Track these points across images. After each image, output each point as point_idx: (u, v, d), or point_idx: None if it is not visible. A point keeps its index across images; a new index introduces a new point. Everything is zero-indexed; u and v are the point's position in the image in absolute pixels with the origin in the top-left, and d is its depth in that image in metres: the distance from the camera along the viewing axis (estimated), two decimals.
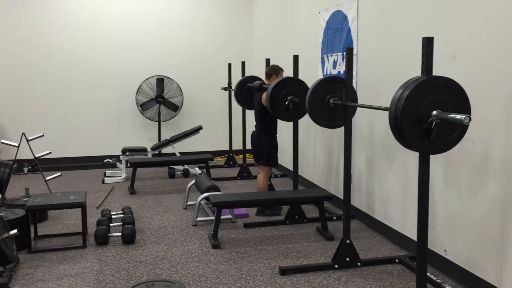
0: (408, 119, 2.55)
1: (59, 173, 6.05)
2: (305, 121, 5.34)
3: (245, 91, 6.08)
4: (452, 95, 2.58)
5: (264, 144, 5.12)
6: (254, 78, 6.11)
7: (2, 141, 5.94)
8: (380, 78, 4.36)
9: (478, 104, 3.00)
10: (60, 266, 3.77)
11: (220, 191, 4.90)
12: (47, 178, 5.80)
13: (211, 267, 3.71)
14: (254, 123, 5.29)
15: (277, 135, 5.24)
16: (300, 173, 5.37)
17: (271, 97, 4.64)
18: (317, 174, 5.96)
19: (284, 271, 3.56)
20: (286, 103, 4.59)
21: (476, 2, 3.15)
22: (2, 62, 7.62)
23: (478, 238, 3.19)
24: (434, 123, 2.53)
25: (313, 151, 6.05)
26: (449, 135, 2.62)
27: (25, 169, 7.34)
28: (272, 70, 5.23)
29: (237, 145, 8.00)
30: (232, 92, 7.84)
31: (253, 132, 5.32)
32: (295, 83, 4.69)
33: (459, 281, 3.37)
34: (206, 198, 4.66)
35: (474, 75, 3.15)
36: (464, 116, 2.38)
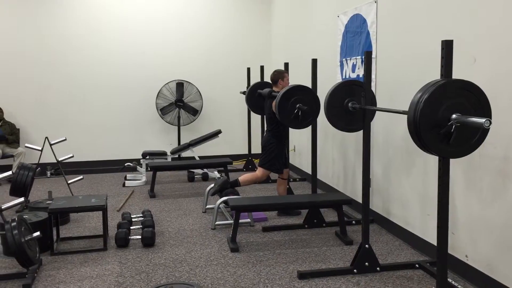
0: (427, 123, 2.53)
1: (81, 177, 6.15)
2: (324, 125, 5.34)
3: (256, 97, 6.15)
4: (472, 99, 2.55)
5: (270, 148, 5.13)
6: (264, 84, 6.14)
7: (26, 145, 6.08)
8: (399, 81, 4.33)
9: (500, 107, 2.96)
10: (82, 268, 3.83)
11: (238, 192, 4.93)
12: (69, 182, 5.91)
13: (230, 270, 3.73)
14: None
15: (289, 142, 5.25)
16: (318, 177, 5.36)
17: (279, 106, 4.63)
18: (336, 178, 5.94)
19: (302, 275, 3.56)
20: (295, 111, 4.59)
21: (497, 4, 3.11)
22: (25, 67, 7.81)
23: (500, 243, 3.13)
24: (453, 126, 2.50)
25: (331, 155, 6.03)
26: (469, 139, 2.59)
27: (48, 173, 7.48)
28: (276, 75, 5.27)
29: (256, 149, 7.98)
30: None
31: (264, 135, 5.35)
32: (302, 91, 4.67)
33: (481, 287, 3.31)
34: (225, 202, 4.69)
35: (495, 78, 3.10)
36: (484, 120, 2.35)
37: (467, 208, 3.44)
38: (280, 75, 5.25)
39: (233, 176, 6.99)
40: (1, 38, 7.68)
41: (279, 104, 4.62)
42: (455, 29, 3.50)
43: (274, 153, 5.12)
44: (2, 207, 3.71)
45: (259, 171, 5.23)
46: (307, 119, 4.71)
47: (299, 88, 4.68)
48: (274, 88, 5.28)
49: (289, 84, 4.98)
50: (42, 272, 3.74)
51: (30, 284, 3.44)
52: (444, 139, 2.56)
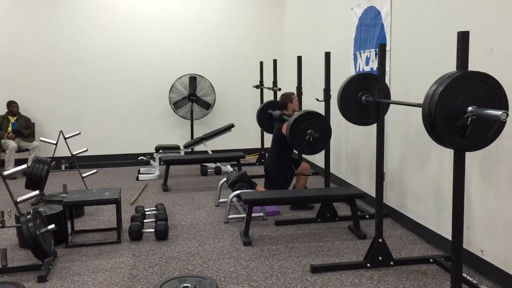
0: (442, 115, 2.48)
1: (95, 170, 6.20)
2: (337, 118, 5.29)
3: (267, 116, 6.21)
4: (488, 91, 2.50)
5: (274, 172, 5.16)
6: (275, 104, 6.16)
7: (41, 139, 6.15)
8: (414, 74, 4.27)
9: None
10: (96, 260, 3.86)
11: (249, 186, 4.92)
12: (83, 175, 5.96)
13: (242, 263, 3.73)
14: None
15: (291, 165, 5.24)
16: (332, 171, 5.33)
17: (291, 132, 4.62)
18: (349, 172, 5.90)
19: (315, 269, 3.55)
20: (307, 138, 4.56)
21: None
22: (40, 62, 7.87)
23: None
24: (469, 119, 2.45)
25: (345, 148, 5.99)
26: (486, 132, 2.54)
27: (63, 166, 7.53)
28: (285, 99, 5.38)
29: (269, 143, 7.93)
30: (264, 90, 7.88)
31: (266, 158, 5.36)
32: (313, 117, 4.64)
33: (497, 282, 3.27)
34: (238, 195, 4.69)
35: None
36: (501, 112, 2.30)
37: (483, 203, 3.39)
38: (288, 98, 5.36)
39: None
40: (16, 35, 7.75)
41: (291, 130, 4.62)
42: (471, 20, 3.44)
43: (277, 178, 5.13)
44: (18, 200, 3.75)
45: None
46: (318, 146, 4.69)
47: (310, 114, 4.67)
48: (284, 111, 5.34)
49: (302, 110, 4.89)
50: (57, 264, 3.78)
51: (45, 276, 3.48)
52: (459, 132, 2.51)
